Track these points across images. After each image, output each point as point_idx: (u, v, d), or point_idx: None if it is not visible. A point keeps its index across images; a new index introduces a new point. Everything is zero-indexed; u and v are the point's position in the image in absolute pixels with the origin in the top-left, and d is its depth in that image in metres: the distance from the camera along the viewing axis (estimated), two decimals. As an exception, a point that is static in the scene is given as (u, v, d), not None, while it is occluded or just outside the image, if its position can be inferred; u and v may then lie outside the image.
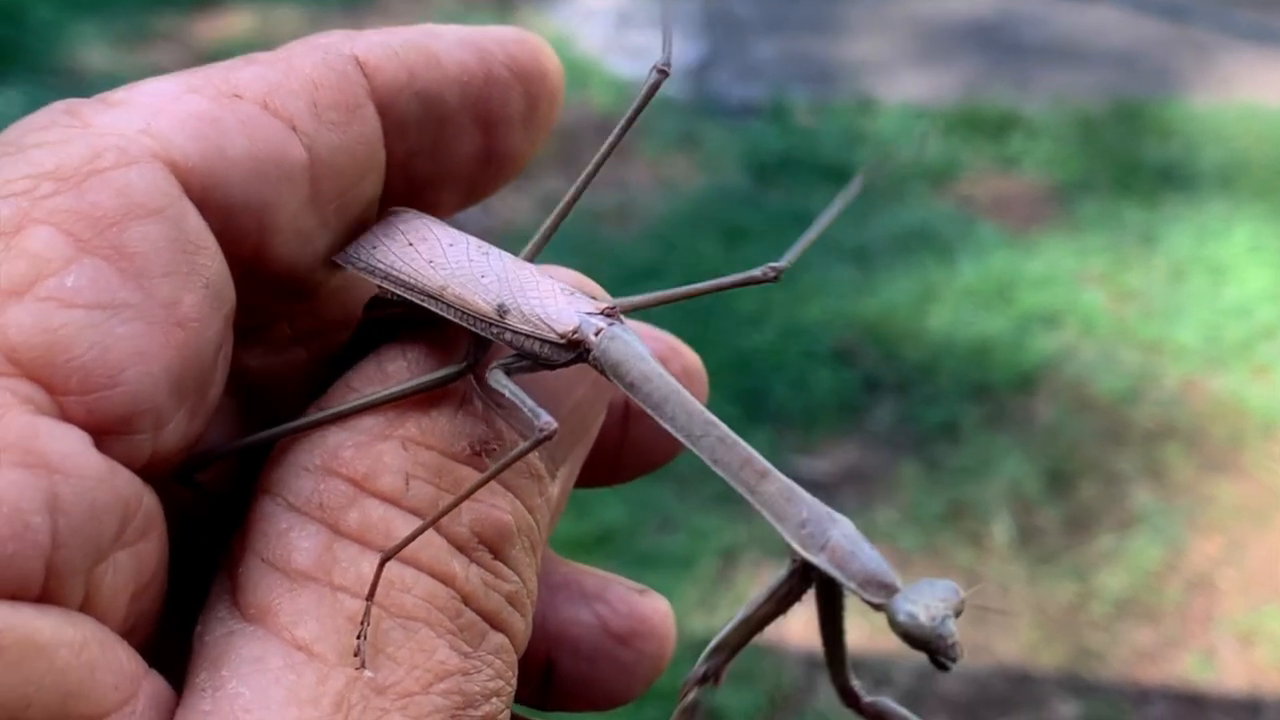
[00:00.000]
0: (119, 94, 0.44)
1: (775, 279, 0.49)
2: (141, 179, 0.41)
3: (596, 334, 0.45)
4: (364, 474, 0.44)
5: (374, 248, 0.49)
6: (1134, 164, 3.88)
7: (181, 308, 0.41)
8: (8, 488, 0.36)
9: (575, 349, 0.45)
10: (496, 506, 0.45)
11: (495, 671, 0.44)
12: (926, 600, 0.39)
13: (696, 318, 3.16)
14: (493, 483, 0.45)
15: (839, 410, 2.97)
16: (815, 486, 2.99)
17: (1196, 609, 2.49)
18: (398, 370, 0.47)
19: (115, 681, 0.38)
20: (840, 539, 0.40)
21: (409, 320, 0.50)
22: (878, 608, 0.39)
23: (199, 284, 0.42)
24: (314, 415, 0.45)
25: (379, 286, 0.49)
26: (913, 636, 0.38)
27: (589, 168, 0.50)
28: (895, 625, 0.39)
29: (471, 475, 0.45)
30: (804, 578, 0.42)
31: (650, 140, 3.88)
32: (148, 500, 0.41)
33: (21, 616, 0.36)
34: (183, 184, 0.42)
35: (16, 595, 0.36)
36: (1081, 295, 3.32)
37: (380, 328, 0.50)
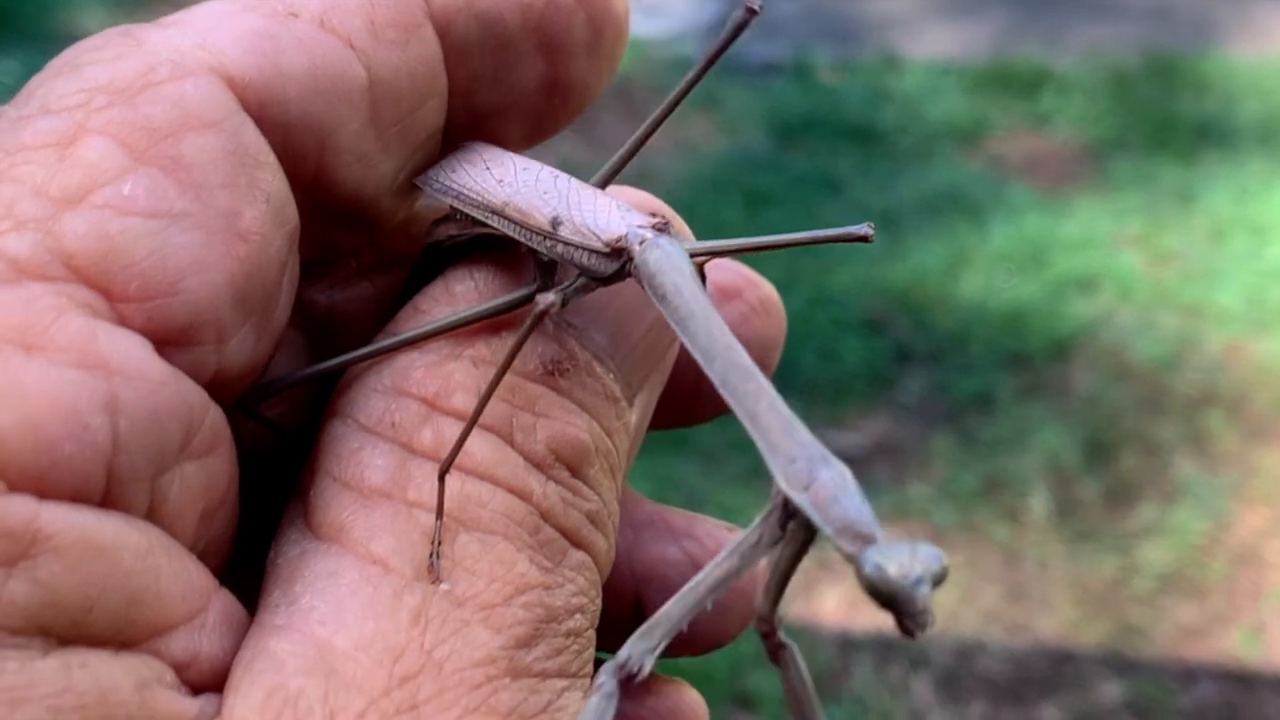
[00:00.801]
0: (174, 16, 0.43)
1: (868, 239, 0.48)
2: (197, 91, 0.41)
3: (640, 244, 0.45)
4: (435, 393, 0.44)
5: (451, 170, 0.49)
6: (1170, 120, 3.80)
7: (242, 220, 0.41)
8: (64, 387, 0.36)
9: (619, 258, 0.45)
10: (573, 425, 0.45)
11: (578, 588, 0.44)
12: (902, 558, 0.37)
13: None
14: (569, 403, 0.45)
15: (869, 381, 2.90)
16: (845, 461, 2.88)
17: (1243, 583, 2.44)
18: (465, 292, 0.47)
19: (183, 592, 0.38)
20: (828, 481, 0.39)
21: (474, 245, 0.50)
22: (849, 558, 0.37)
23: (260, 198, 0.41)
24: (382, 342, 0.45)
25: (449, 208, 0.50)
26: (878, 591, 0.36)
27: (656, 112, 0.49)
28: (861, 578, 0.37)
29: (544, 394, 0.45)
30: (781, 524, 0.40)
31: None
32: (214, 414, 0.41)
33: (82, 517, 0.36)
34: (239, 99, 0.42)
35: (76, 498, 0.36)
36: (1118, 258, 3.24)
37: (445, 254, 0.51)
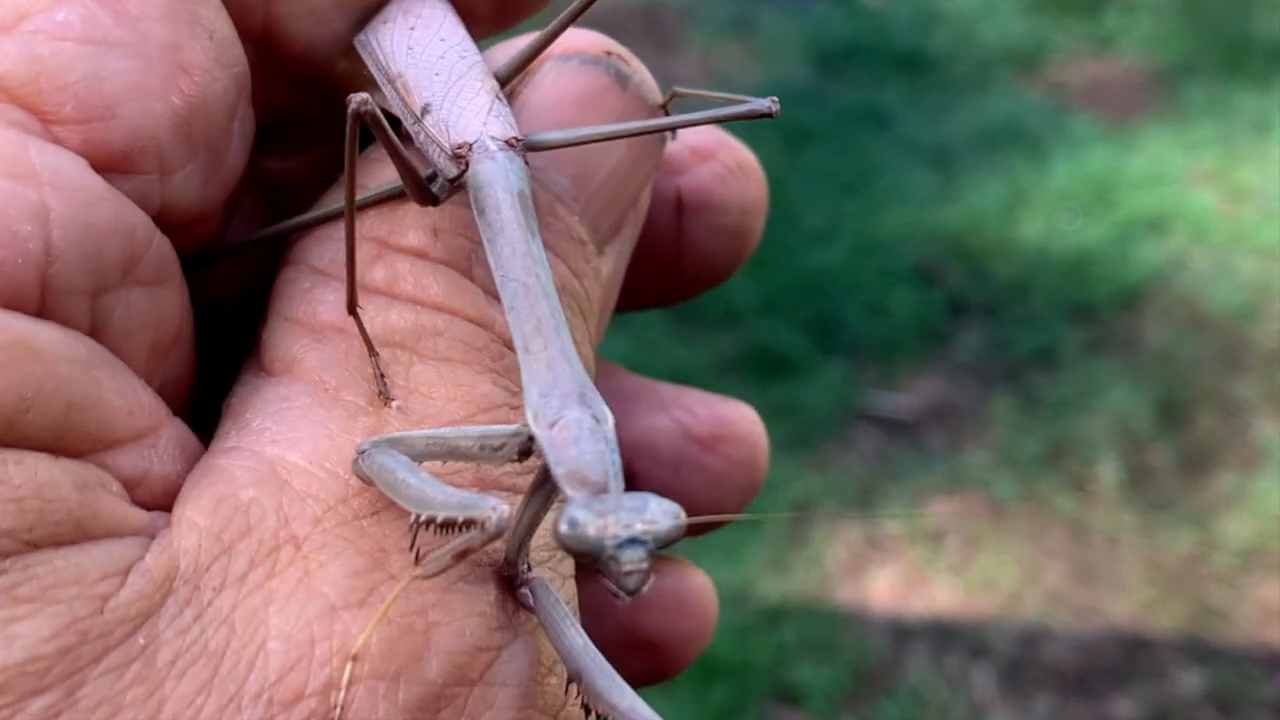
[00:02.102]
0: None
1: (772, 114, 0.47)
2: None
3: (480, 155, 0.45)
4: (388, 232, 0.45)
5: (382, 21, 0.49)
6: (1245, 41, 3.59)
7: (183, 53, 0.42)
8: None
9: (459, 164, 0.46)
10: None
11: None
12: (614, 512, 0.35)
13: (758, 234, 2.89)
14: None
15: (921, 337, 2.73)
16: (897, 426, 2.79)
17: (1334, 559, 2.28)
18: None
19: (129, 409, 0.39)
20: (573, 423, 0.38)
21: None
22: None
23: (201, 33, 0.42)
24: (325, 209, 0.47)
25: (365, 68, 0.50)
26: (568, 547, 0.35)
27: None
28: (556, 534, 0.35)
29: None
30: (524, 452, 0.40)
31: (699, 27, 3.59)
32: (160, 243, 0.42)
33: (15, 322, 0.37)
34: None
35: (9, 304, 0.37)
36: (1191, 196, 3.07)
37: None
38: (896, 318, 2.77)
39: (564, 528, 0.36)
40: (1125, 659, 2.21)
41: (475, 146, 0.46)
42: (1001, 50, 3.54)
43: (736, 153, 0.58)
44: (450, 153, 0.46)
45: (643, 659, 0.57)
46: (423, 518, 0.38)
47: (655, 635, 0.56)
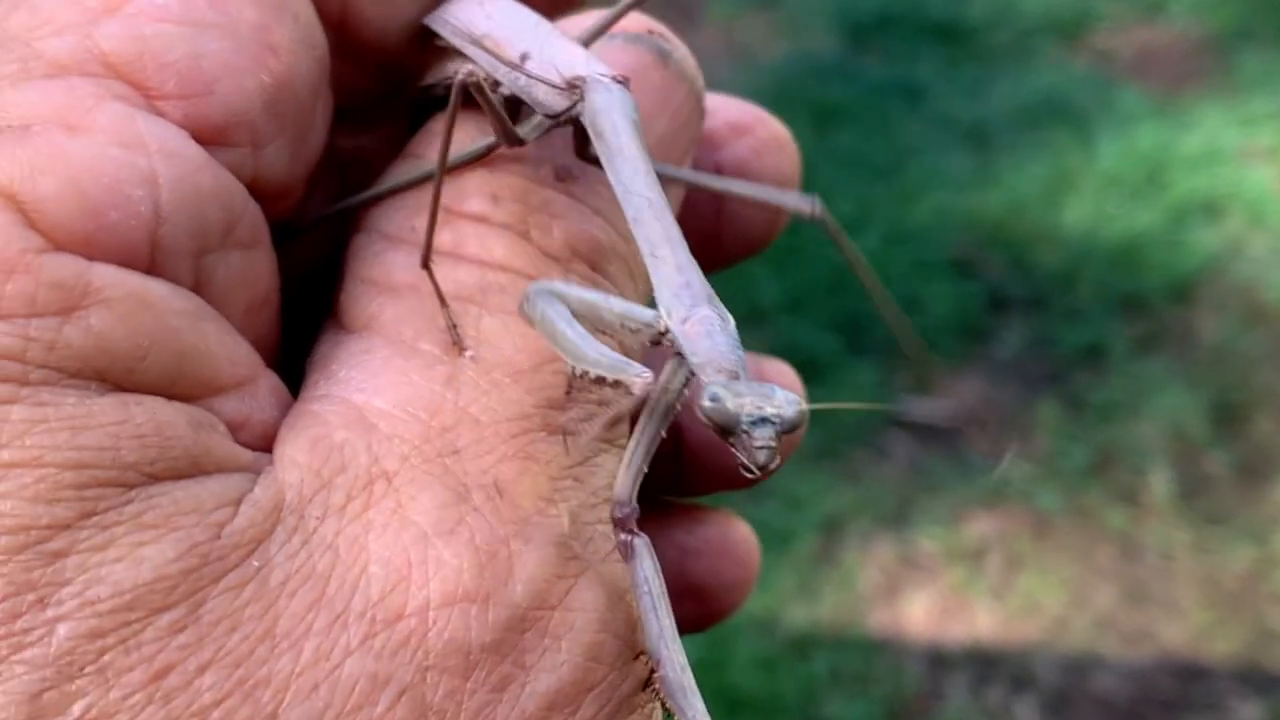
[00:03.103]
0: None
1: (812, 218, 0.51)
2: None
3: (596, 81, 0.49)
4: (452, 200, 0.49)
5: (451, 7, 0.54)
6: (1306, 3, 3.38)
7: (272, 35, 0.46)
8: (106, 162, 0.41)
9: (571, 94, 0.49)
10: (589, 224, 0.50)
11: None
12: (750, 395, 0.39)
13: (784, 223, 2.75)
14: (583, 207, 0.50)
15: (959, 335, 2.60)
16: (932, 432, 2.66)
17: (1405, 578, 2.18)
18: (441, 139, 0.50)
19: (231, 358, 0.43)
20: (704, 319, 0.42)
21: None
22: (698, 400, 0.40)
23: (287, 17, 0.46)
24: (392, 182, 0.51)
25: (441, 44, 0.54)
26: (711, 420, 0.39)
27: None
28: (698, 408, 0.39)
29: (557, 198, 0.49)
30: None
31: (721, -3, 3.42)
32: (254, 211, 0.46)
33: (130, 278, 0.41)
34: None
35: (124, 262, 0.41)
36: (1247, 176, 2.93)
37: (437, 105, 0.54)
38: (932, 313, 2.63)
39: (706, 402, 0.39)
40: (1179, 689, 2.11)
41: (589, 79, 0.49)
42: (1044, 18, 3.39)
43: (772, 127, 0.62)
44: (564, 85, 0.49)
45: (690, 604, 0.60)
46: (577, 370, 0.42)
47: (702, 581, 0.60)
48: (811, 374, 2.50)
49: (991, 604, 2.19)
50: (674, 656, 0.42)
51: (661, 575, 0.44)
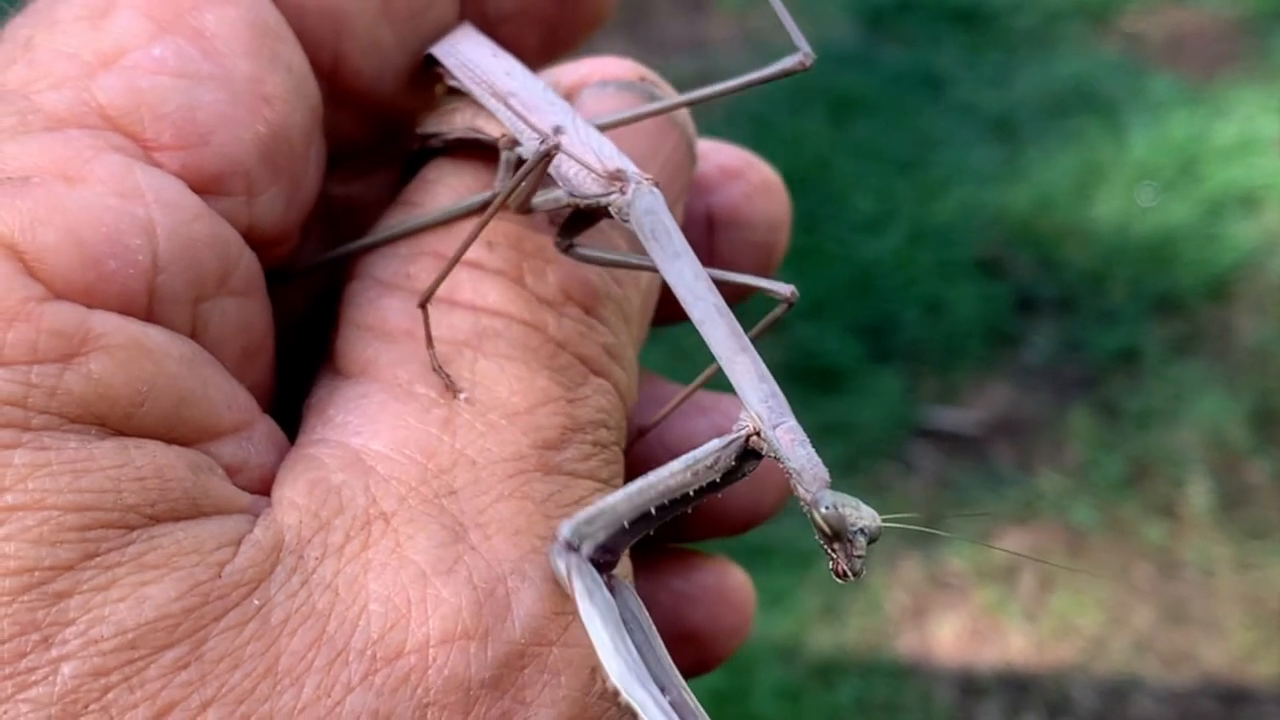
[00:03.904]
0: None
1: (806, 67, 0.52)
2: None
3: (638, 184, 0.50)
4: (447, 248, 0.50)
5: (458, 46, 0.54)
6: (1344, -20, 3.28)
7: (265, 85, 0.47)
8: (105, 212, 0.42)
9: (610, 185, 0.50)
10: (582, 268, 0.51)
11: (600, 406, 0.49)
12: (850, 506, 0.43)
13: (799, 221, 2.66)
14: None
15: (986, 338, 2.52)
16: (960, 442, 2.58)
17: None
18: (447, 190, 0.53)
19: (228, 403, 0.44)
20: (793, 426, 0.44)
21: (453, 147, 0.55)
22: (808, 497, 0.43)
23: (281, 67, 0.48)
24: (389, 231, 0.52)
25: (449, 88, 0.55)
26: (831, 525, 0.42)
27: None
28: (818, 512, 0.43)
29: (549, 244, 0.50)
30: (737, 455, 0.45)
31: (733, -18, 3.33)
32: (249, 259, 0.47)
33: (129, 325, 0.42)
34: None
35: (123, 309, 0.42)
36: None
37: (431, 154, 0.56)
38: (958, 316, 2.55)
39: (824, 509, 0.42)
40: (1222, 713, 2.05)
41: (629, 174, 0.50)
42: (1070, 0, 3.26)
43: (762, 171, 0.63)
44: (604, 173, 0.50)
45: (687, 651, 0.61)
46: (620, 696, 0.42)
47: (698, 628, 0.60)
48: (832, 383, 2.42)
49: (1024, 626, 2.12)
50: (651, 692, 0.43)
51: (651, 623, 0.45)
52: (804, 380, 2.43)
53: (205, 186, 0.45)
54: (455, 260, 0.48)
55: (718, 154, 0.62)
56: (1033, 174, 2.82)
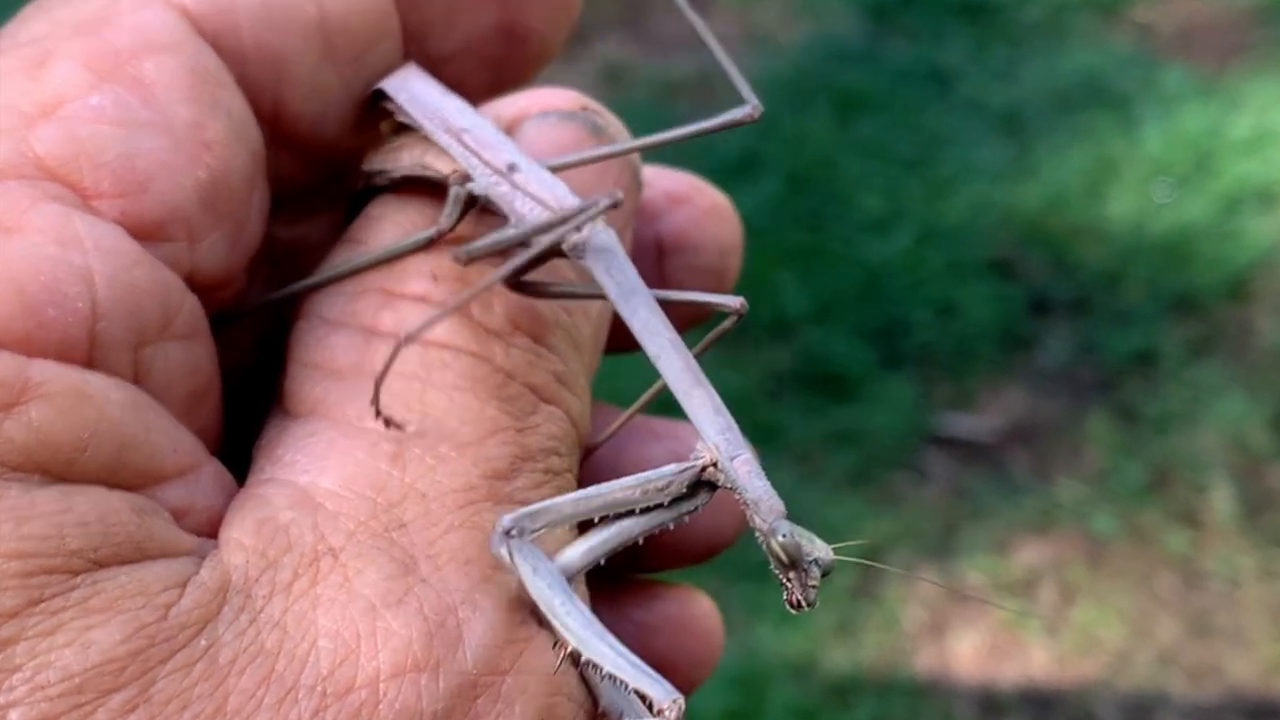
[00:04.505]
0: None
1: (754, 119, 0.53)
2: (156, 18, 0.48)
3: (593, 222, 0.50)
4: (392, 283, 0.51)
5: (408, 83, 0.54)
6: (1358, -33, 3.23)
7: (206, 131, 0.47)
8: (43, 261, 0.42)
9: (571, 220, 0.50)
10: (529, 298, 0.51)
11: (551, 434, 0.50)
12: (805, 537, 0.44)
13: (805, 222, 2.63)
14: None
15: (999, 341, 2.47)
16: (975, 449, 2.53)
17: None
18: (393, 226, 0.54)
19: (173, 448, 0.44)
20: (749, 459, 0.46)
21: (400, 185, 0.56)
22: (764, 527, 0.44)
23: (221, 113, 0.48)
24: (337, 269, 0.52)
25: (395, 124, 0.55)
26: (788, 554, 0.44)
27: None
28: (774, 540, 0.44)
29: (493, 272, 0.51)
30: (690, 483, 0.46)
31: (734, -24, 3.27)
32: (192, 303, 0.47)
33: (69, 372, 0.42)
34: (196, 28, 0.49)
35: (63, 357, 0.42)
36: None
37: (376, 192, 0.56)
38: (970, 319, 2.50)
39: (781, 537, 0.44)
40: (1249, 728, 2.00)
41: (582, 209, 0.50)
42: (1078, -9, 3.22)
43: (711, 196, 0.63)
44: (558, 209, 0.50)
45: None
46: (584, 657, 0.43)
47: (664, 658, 0.59)
48: (841, 390, 2.37)
49: (1046, 640, 2.07)
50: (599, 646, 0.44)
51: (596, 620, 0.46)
52: (812, 387, 2.38)
53: (146, 233, 0.46)
54: (452, 308, 0.49)
55: (664, 180, 0.63)
56: (1044, 171, 2.77)
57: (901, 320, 2.49)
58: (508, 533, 0.44)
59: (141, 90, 0.46)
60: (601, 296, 0.50)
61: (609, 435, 0.58)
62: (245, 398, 0.52)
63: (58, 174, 0.45)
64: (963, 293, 2.54)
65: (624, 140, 0.56)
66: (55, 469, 0.41)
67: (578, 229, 0.50)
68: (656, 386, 0.53)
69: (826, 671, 2.05)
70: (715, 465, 0.46)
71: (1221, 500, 2.24)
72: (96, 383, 0.43)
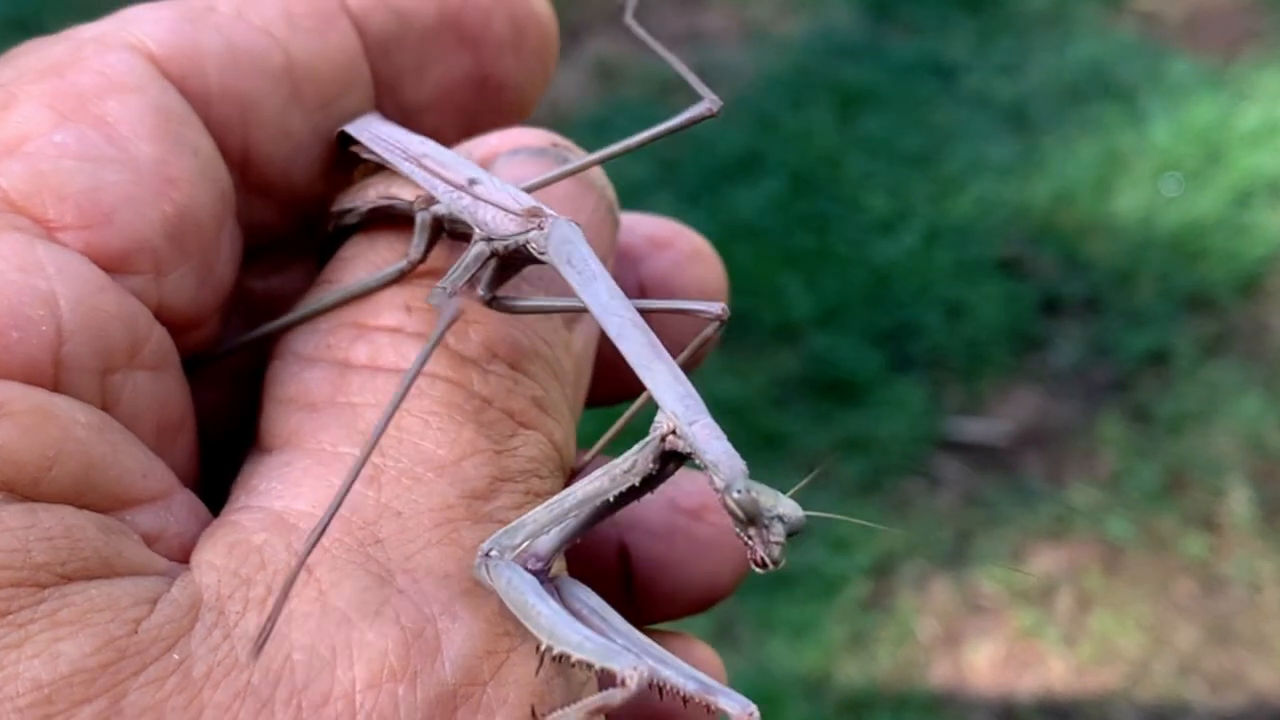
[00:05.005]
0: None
1: (714, 114, 0.54)
2: (120, 62, 0.49)
3: (554, 216, 0.52)
4: (366, 316, 0.51)
5: (370, 124, 0.56)
6: (1366, -49, 3.20)
7: (171, 167, 0.48)
8: (5, 286, 0.43)
9: (530, 220, 0.51)
10: (507, 327, 0.52)
11: (531, 457, 0.50)
12: (771, 494, 0.44)
13: (811, 224, 2.61)
14: (499, 313, 0.52)
15: (1010, 342, 2.45)
16: (988, 454, 2.51)
17: None
18: (364, 262, 0.55)
19: (144, 473, 0.45)
20: (709, 423, 0.46)
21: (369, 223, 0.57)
22: (723, 486, 0.44)
23: (186, 150, 0.49)
24: (310, 306, 0.53)
25: (363, 159, 0.57)
26: (745, 509, 0.44)
27: None
28: (731, 497, 0.44)
29: (470, 305, 0.52)
30: (654, 457, 0.47)
31: (729, -31, 3.23)
32: (160, 333, 0.48)
33: (34, 393, 0.43)
34: (161, 71, 0.50)
35: (28, 379, 0.43)
36: None
37: (348, 231, 0.57)
38: (980, 320, 2.48)
39: (737, 493, 0.43)
40: (1274, 738, 1.99)
41: (546, 213, 0.51)
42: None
43: (692, 240, 0.64)
44: (522, 214, 0.52)
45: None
46: (555, 650, 0.43)
47: (664, 708, 0.57)
48: (850, 395, 2.35)
49: (1063, 650, 2.05)
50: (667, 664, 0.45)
51: (599, 600, 0.47)
52: (821, 393, 2.35)
53: (111, 264, 0.46)
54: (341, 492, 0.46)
55: (644, 224, 0.64)
56: (1051, 166, 2.74)
57: (910, 323, 2.47)
58: (487, 554, 0.45)
59: (105, 128, 0.47)
60: (580, 308, 0.51)
61: (593, 455, 0.58)
62: (226, 451, 0.52)
63: (21, 207, 0.45)
64: (972, 293, 2.51)
65: (596, 174, 0.58)
66: (21, 487, 0.42)
67: (539, 226, 0.51)
68: (639, 402, 0.54)
69: (840, 687, 2.03)
70: (675, 432, 0.46)
71: (1239, 503, 2.22)
72: (62, 404, 0.43)
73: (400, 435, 0.48)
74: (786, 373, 2.37)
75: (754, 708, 0.44)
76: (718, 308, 0.53)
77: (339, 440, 0.48)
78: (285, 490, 0.47)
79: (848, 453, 2.27)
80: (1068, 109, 2.87)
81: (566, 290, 0.51)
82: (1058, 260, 2.59)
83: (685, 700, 0.44)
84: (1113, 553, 2.18)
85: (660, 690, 0.44)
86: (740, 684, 1.82)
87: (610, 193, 0.58)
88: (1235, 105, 2.85)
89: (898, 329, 2.45)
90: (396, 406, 0.44)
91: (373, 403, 0.49)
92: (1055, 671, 2.05)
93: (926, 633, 2.08)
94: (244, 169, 0.53)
